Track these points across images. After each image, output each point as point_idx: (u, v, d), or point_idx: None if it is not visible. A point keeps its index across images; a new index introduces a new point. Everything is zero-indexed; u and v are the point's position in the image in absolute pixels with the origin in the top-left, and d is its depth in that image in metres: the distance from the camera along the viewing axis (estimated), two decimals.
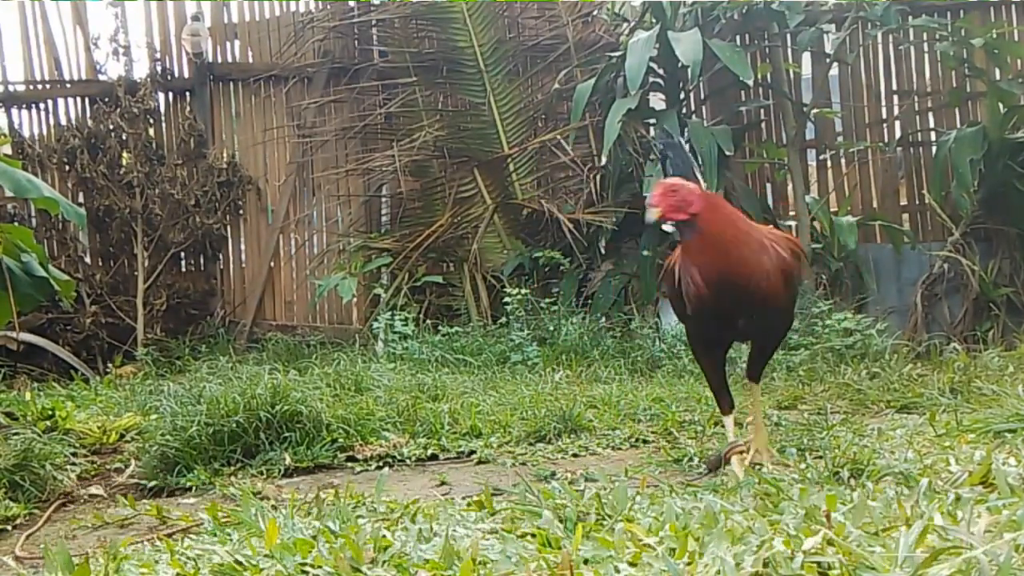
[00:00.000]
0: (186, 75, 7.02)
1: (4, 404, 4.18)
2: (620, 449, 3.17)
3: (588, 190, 6.26)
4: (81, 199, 6.80)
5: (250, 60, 7.06)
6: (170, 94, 7.04)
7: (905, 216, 6.47)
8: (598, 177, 6.25)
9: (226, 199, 6.87)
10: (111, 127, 6.83)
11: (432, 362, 5.02)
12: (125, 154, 6.87)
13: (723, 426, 3.36)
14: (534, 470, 2.84)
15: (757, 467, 2.47)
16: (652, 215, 2.33)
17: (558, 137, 6.48)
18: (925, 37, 6.27)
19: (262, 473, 3.02)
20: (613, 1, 6.80)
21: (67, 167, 6.81)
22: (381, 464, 3.11)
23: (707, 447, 2.98)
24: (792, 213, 6.31)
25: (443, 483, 2.79)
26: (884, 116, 6.57)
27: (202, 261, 7.04)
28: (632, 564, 1.50)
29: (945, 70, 6.34)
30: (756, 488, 2.10)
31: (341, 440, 3.24)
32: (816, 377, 4.32)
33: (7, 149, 6.75)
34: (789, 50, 6.29)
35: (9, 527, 2.67)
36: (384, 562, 1.61)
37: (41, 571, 1.95)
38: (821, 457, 2.50)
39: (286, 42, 6.99)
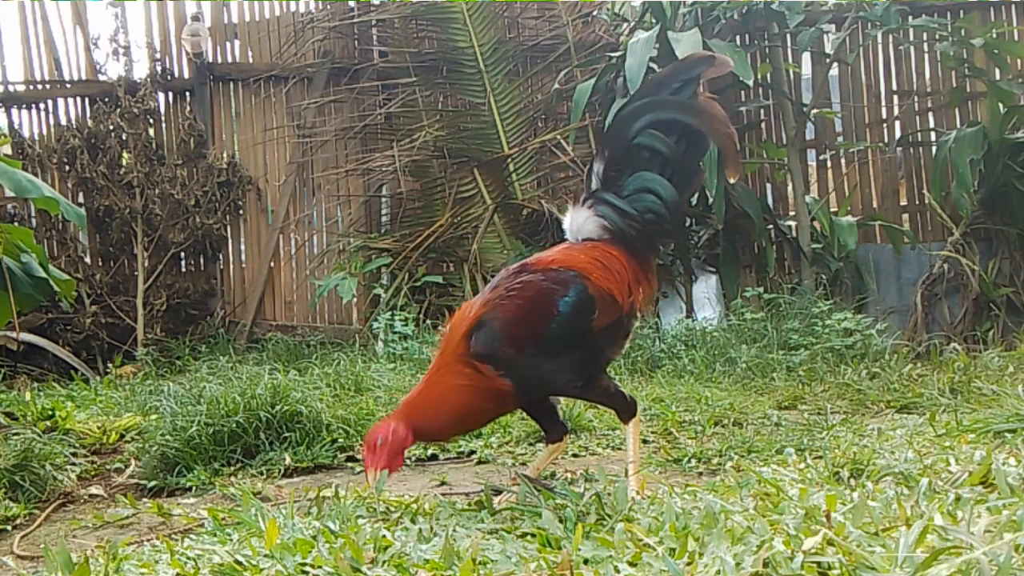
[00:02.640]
0: (186, 75, 7.03)
1: (4, 404, 4.18)
2: (620, 449, 3.17)
3: None
4: (81, 199, 6.80)
5: (250, 60, 7.07)
6: (170, 94, 7.04)
7: (905, 216, 6.47)
8: None
9: (226, 199, 6.87)
10: (111, 127, 6.84)
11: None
12: (125, 154, 6.88)
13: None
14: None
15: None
16: (380, 484, 2.11)
17: (558, 137, 6.49)
18: (925, 37, 6.28)
19: (262, 473, 3.02)
20: (613, 1, 6.80)
21: (67, 167, 6.81)
22: None
23: (707, 447, 2.98)
24: (792, 213, 6.31)
25: (443, 483, 2.79)
26: (884, 116, 6.58)
27: (202, 261, 7.04)
28: (632, 564, 1.50)
29: (945, 70, 6.35)
30: (756, 488, 2.10)
31: (341, 440, 3.24)
32: (816, 377, 4.31)
33: (7, 149, 6.76)
34: (789, 50, 6.29)
35: (9, 527, 2.67)
36: (384, 562, 1.61)
37: (40, 571, 1.95)
38: (821, 457, 2.49)
39: (286, 42, 7.00)
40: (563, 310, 2.15)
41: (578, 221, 2.33)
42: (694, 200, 6.03)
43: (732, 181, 2.21)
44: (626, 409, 2.30)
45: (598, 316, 2.19)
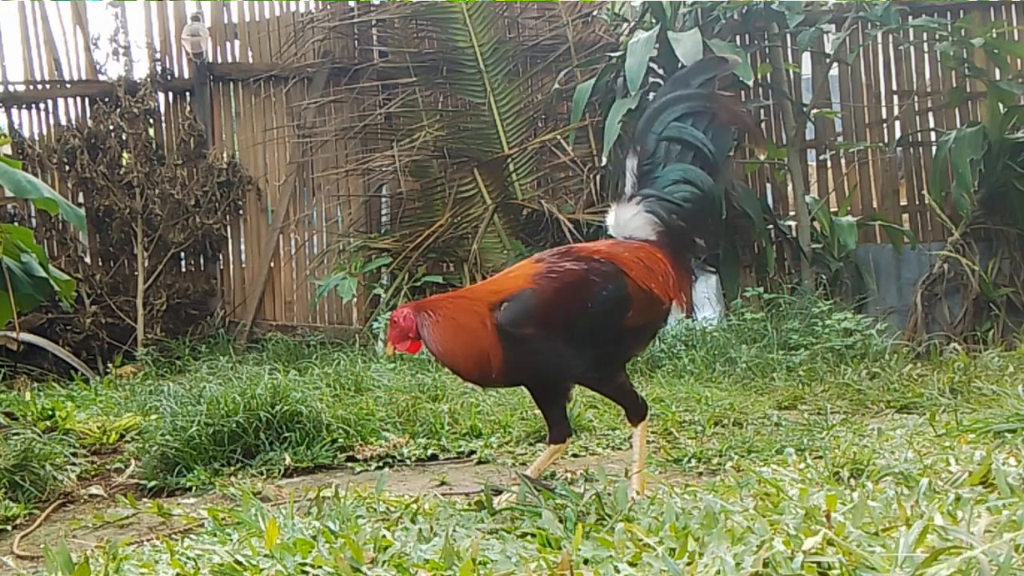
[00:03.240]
0: (186, 75, 7.03)
1: (4, 404, 4.18)
2: (620, 449, 3.17)
3: (588, 190, 6.27)
4: (81, 199, 6.81)
5: (250, 60, 7.07)
6: (170, 94, 7.04)
7: (905, 216, 6.47)
8: (598, 177, 6.26)
9: (226, 199, 6.87)
10: (111, 127, 6.84)
11: (432, 362, 5.02)
12: (125, 154, 6.88)
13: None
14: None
15: None
16: (387, 352, 2.39)
17: (558, 137, 6.49)
18: (925, 37, 6.28)
19: (262, 473, 3.01)
20: (613, 1, 6.80)
21: (67, 167, 6.81)
22: (381, 464, 3.11)
23: (707, 447, 2.98)
24: (792, 213, 6.31)
25: (443, 483, 2.79)
26: (884, 116, 6.58)
27: (202, 261, 7.04)
28: (632, 564, 1.50)
29: (945, 70, 6.35)
30: (756, 488, 2.10)
31: (341, 440, 3.24)
32: (816, 377, 4.31)
33: (7, 149, 6.76)
34: (789, 50, 6.29)
35: (9, 527, 2.67)
36: (384, 562, 1.61)
37: (40, 571, 1.95)
38: (821, 457, 2.50)
39: (286, 42, 7.00)
40: (599, 303, 2.17)
41: (624, 217, 2.35)
42: None
43: (762, 157, 2.32)
44: (636, 410, 2.31)
45: (632, 315, 2.21)
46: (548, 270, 2.19)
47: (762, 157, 2.69)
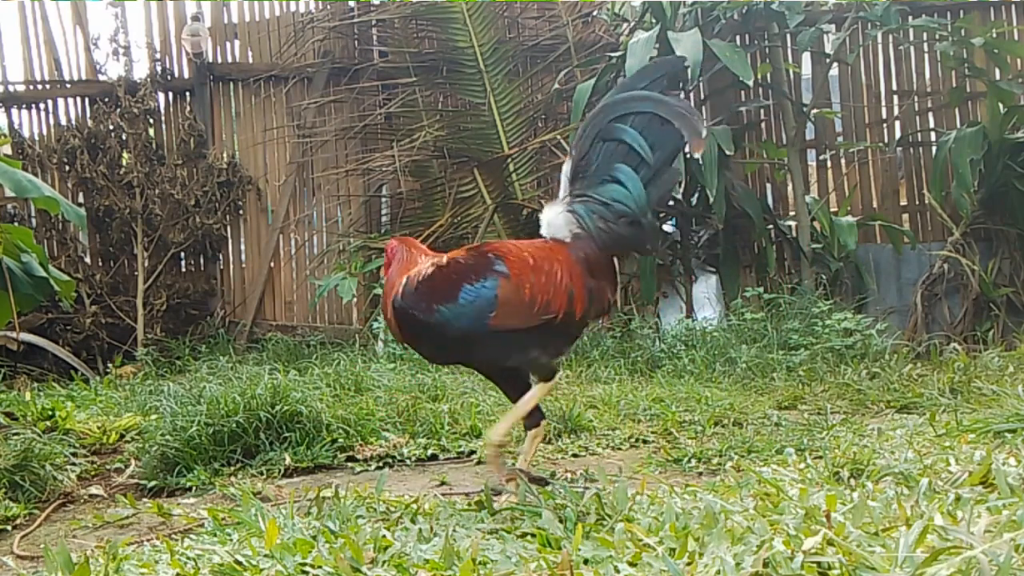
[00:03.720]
0: (186, 75, 7.03)
1: (4, 404, 4.17)
2: (620, 449, 3.17)
3: None
4: (81, 199, 6.80)
5: (250, 60, 7.07)
6: (170, 94, 7.04)
7: (905, 216, 6.47)
8: None
9: (226, 199, 6.87)
10: (111, 127, 6.84)
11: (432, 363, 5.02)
12: (125, 154, 6.88)
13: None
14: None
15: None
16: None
17: (558, 137, 6.48)
18: (925, 37, 6.28)
19: (262, 473, 3.01)
20: (613, 1, 6.80)
21: (67, 167, 6.81)
22: (381, 464, 3.11)
23: (707, 447, 2.98)
24: (792, 213, 6.31)
25: (443, 483, 2.79)
26: (884, 116, 6.58)
27: (202, 261, 7.04)
28: (632, 564, 1.50)
29: (945, 70, 6.35)
30: (756, 488, 2.10)
31: (341, 440, 3.24)
32: (816, 377, 4.31)
33: (7, 149, 6.76)
34: (789, 50, 6.29)
35: (9, 527, 2.67)
36: (384, 562, 1.61)
37: (40, 571, 1.95)
38: (821, 457, 2.50)
39: (286, 42, 7.00)
40: (464, 298, 2.22)
41: (550, 217, 2.36)
42: (694, 200, 6.04)
43: (696, 155, 2.25)
44: (549, 372, 2.31)
45: (497, 316, 2.21)
46: (448, 260, 2.30)
47: (696, 155, 2.62)
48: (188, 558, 1.73)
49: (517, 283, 2.21)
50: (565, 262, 2.26)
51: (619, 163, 2.26)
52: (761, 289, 5.73)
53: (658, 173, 2.27)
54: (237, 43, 7.10)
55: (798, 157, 6.13)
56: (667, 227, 6.28)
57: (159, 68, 6.97)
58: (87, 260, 6.91)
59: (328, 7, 6.96)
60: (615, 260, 2.35)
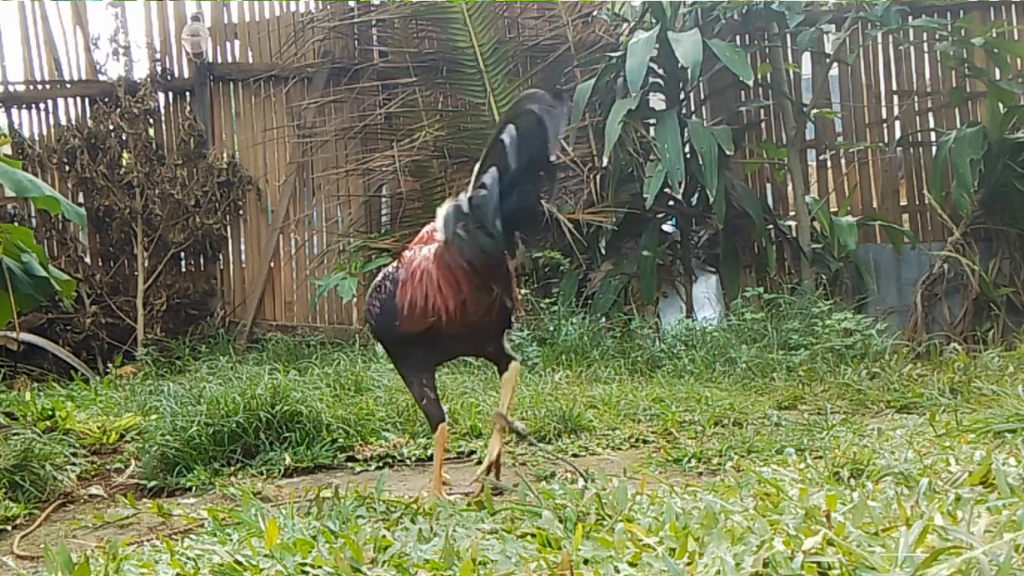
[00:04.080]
0: (186, 75, 7.02)
1: (4, 404, 4.17)
2: (620, 449, 3.17)
3: (588, 190, 6.26)
4: (81, 199, 6.80)
5: (250, 60, 7.06)
6: (170, 94, 7.04)
7: (905, 216, 6.47)
8: (598, 177, 6.25)
9: (226, 199, 6.87)
10: (111, 127, 6.83)
11: None
12: (125, 154, 6.88)
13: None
14: (534, 470, 2.84)
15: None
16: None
17: None
18: (925, 37, 6.28)
19: (262, 473, 3.02)
20: (613, 1, 6.80)
21: (67, 167, 6.81)
22: (381, 464, 3.11)
23: (707, 447, 2.98)
24: (792, 213, 6.31)
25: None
26: (884, 116, 6.58)
27: (202, 261, 7.04)
28: (632, 564, 1.50)
29: (945, 70, 6.35)
30: (756, 488, 2.10)
31: (341, 440, 3.24)
32: (816, 377, 4.31)
33: (7, 149, 6.76)
34: (789, 50, 6.29)
35: (9, 527, 2.67)
36: (384, 562, 1.61)
37: (40, 571, 1.95)
38: (821, 457, 2.50)
39: (286, 42, 7.00)
40: (381, 309, 2.41)
41: (438, 220, 2.41)
42: (694, 200, 6.04)
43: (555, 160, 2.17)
44: (430, 421, 2.46)
45: (402, 323, 2.33)
46: (386, 273, 2.47)
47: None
48: (188, 558, 1.73)
49: (409, 291, 2.34)
50: (442, 266, 2.32)
51: (493, 165, 2.18)
52: (761, 289, 5.73)
53: (521, 178, 2.16)
54: (237, 43, 7.10)
55: (798, 157, 6.13)
56: (667, 227, 6.28)
57: (159, 68, 6.96)
58: (87, 260, 6.91)
59: (328, 7, 6.96)
60: (502, 265, 2.29)
